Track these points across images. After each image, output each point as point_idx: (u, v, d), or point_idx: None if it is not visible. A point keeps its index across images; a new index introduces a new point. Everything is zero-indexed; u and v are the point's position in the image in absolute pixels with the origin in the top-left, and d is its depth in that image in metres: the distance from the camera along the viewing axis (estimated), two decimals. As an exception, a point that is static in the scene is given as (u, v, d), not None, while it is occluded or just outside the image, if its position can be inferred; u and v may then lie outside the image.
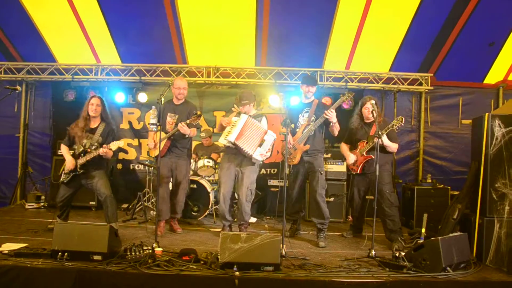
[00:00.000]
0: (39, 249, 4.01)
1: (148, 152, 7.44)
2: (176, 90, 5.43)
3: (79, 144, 4.99)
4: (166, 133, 5.34)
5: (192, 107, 5.58)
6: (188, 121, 5.22)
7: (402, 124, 5.00)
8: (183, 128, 5.18)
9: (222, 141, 5.19)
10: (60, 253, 3.75)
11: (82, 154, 4.95)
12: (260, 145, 5.06)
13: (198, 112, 5.28)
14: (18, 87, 4.91)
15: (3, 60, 7.61)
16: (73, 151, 5.02)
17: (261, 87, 7.53)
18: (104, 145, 4.84)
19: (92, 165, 4.99)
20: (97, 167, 5.04)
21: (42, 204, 7.36)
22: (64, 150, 5.12)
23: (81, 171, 4.94)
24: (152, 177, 6.98)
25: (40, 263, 3.71)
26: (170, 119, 5.44)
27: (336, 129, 5.18)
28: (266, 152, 5.11)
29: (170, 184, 5.72)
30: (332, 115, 4.99)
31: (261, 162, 5.33)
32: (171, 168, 5.47)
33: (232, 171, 5.24)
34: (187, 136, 5.37)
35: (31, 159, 7.99)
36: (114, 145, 4.83)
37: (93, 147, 4.92)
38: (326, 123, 5.15)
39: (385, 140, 5.07)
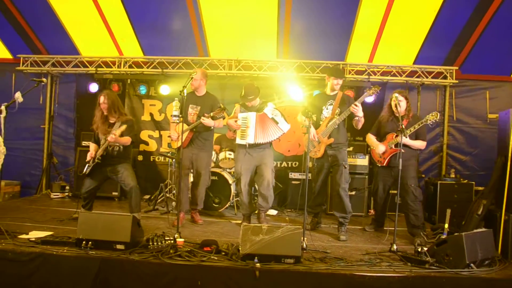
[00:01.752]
0: (64, 238, 4.11)
1: (169, 144, 7.50)
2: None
3: (103, 139, 5.07)
4: (188, 124, 5.37)
5: (215, 99, 5.59)
6: (212, 114, 5.26)
7: (437, 119, 4.90)
8: (206, 120, 5.23)
9: (241, 142, 5.33)
10: (84, 242, 3.83)
11: None
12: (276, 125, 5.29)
13: (222, 106, 5.32)
14: (43, 79, 5.02)
15: (29, 53, 7.77)
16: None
17: (283, 80, 7.48)
18: (111, 131, 4.89)
19: (118, 157, 5.07)
20: (122, 160, 5.12)
21: (67, 194, 7.53)
22: (91, 148, 5.20)
23: (98, 160, 4.99)
24: (173, 169, 7.03)
25: (65, 251, 3.81)
26: (192, 110, 5.47)
27: (360, 123, 5.13)
28: (283, 122, 5.33)
29: (191, 176, 5.75)
30: (358, 109, 4.93)
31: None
32: (192, 159, 5.50)
33: (252, 162, 5.33)
34: (212, 128, 5.41)
35: (55, 150, 8.15)
36: (118, 131, 4.85)
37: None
38: (351, 116, 5.09)
39: (407, 141, 5.00)
